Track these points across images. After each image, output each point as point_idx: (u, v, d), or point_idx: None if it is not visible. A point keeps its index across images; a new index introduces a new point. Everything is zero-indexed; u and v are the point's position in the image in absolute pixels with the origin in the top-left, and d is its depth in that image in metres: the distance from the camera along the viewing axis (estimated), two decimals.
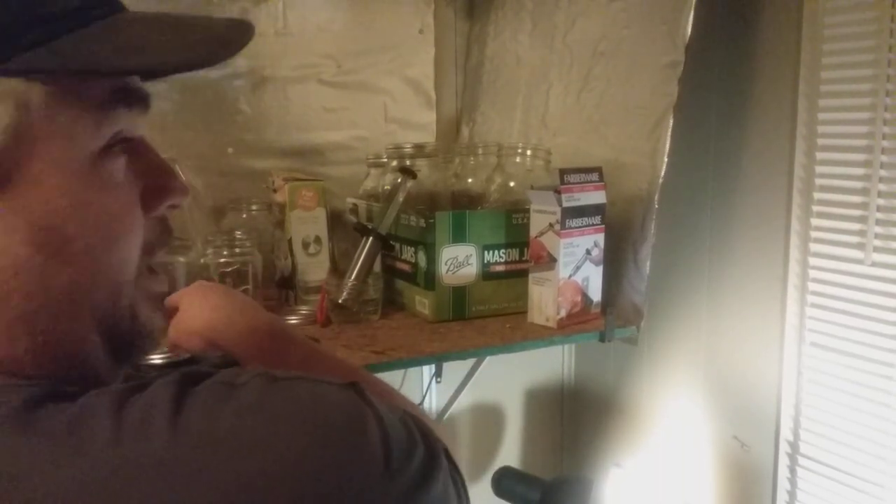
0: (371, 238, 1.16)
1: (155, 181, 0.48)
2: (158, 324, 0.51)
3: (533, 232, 1.12)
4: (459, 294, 1.16)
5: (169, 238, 0.51)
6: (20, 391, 0.39)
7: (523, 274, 1.16)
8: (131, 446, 0.36)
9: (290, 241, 1.25)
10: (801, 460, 1.22)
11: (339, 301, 1.12)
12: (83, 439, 0.36)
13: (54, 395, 0.39)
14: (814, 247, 1.17)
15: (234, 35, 0.47)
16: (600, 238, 1.14)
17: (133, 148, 0.46)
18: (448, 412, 1.59)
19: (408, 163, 1.23)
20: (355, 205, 1.35)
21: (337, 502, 0.38)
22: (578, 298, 1.13)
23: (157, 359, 0.92)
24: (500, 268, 1.18)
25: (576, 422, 1.77)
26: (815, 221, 1.16)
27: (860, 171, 1.09)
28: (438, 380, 1.56)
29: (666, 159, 1.10)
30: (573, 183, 1.08)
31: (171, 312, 0.74)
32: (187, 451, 0.36)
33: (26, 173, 0.41)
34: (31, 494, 0.35)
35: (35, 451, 0.36)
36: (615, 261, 1.18)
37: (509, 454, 1.75)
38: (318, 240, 1.27)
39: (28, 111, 0.40)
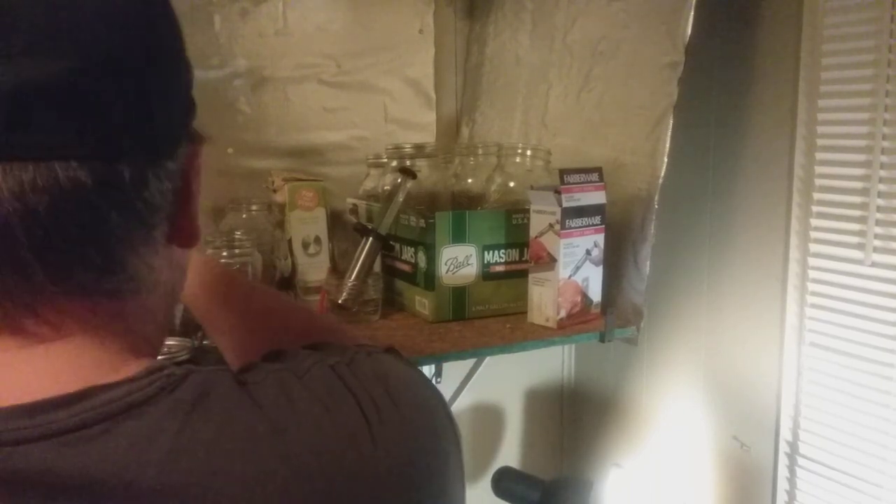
0: (371, 238, 1.16)
1: None
2: None
3: (533, 232, 1.12)
4: (459, 294, 1.16)
5: None
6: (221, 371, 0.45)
7: (523, 274, 1.16)
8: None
9: (289, 242, 1.25)
10: (800, 460, 1.22)
11: (339, 301, 1.12)
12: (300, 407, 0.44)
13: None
14: (814, 247, 1.17)
15: None
16: (600, 238, 1.14)
17: None
18: None
19: (408, 163, 1.23)
20: (355, 205, 1.35)
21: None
22: (578, 299, 1.13)
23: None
24: (500, 268, 1.18)
25: (576, 422, 1.77)
26: (815, 221, 1.16)
27: (860, 171, 1.09)
28: (438, 380, 1.56)
29: (666, 159, 1.10)
30: (573, 183, 1.08)
31: None
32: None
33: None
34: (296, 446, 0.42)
35: (291, 410, 0.44)
36: (615, 261, 1.18)
37: (509, 454, 1.75)
38: (317, 240, 1.27)
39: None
